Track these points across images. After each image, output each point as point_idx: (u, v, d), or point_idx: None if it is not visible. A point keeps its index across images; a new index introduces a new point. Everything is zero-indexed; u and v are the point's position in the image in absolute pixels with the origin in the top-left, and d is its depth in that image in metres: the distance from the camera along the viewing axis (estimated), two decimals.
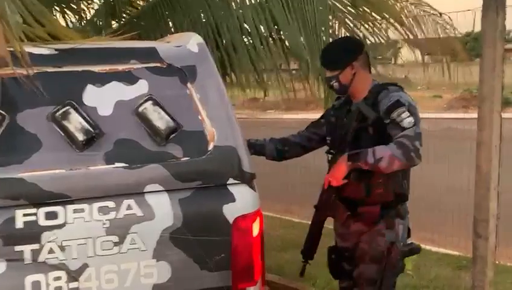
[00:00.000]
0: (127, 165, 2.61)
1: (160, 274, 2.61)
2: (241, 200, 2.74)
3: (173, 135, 2.69)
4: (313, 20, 4.48)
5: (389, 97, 3.32)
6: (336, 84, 3.42)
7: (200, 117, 2.74)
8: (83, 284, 2.53)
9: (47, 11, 3.09)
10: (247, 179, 2.77)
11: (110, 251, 2.55)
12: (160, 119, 2.67)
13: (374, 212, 3.38)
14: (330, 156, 3.53)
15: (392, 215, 3.40)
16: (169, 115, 2.69)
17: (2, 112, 2.51)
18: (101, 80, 2.68)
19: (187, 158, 2.69)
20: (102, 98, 2.67)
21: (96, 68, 2.69)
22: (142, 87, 2.72)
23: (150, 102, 2.68)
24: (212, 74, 2.82)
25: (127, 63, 2.72)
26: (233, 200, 2.72)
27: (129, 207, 2.58)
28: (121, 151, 2.63)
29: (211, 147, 2.71)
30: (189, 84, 2.76)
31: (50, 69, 2.64)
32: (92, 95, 2.66)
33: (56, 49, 2.70)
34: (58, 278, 2.50)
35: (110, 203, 2.57)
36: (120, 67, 2.71)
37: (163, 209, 2.63)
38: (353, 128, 3.38)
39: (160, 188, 2.64)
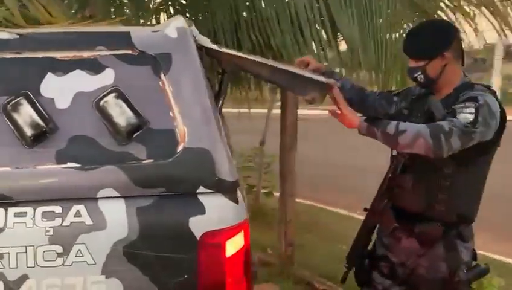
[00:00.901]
0: (80, 165, 2.28)
1: None
2: (213, 213, 2.32)
3: (137, 134, 2.33)
4: (369, 8, 3.94)
5: (469, 93, 2.72)
6: (421, 77, 2.82)
7: (171, 114, 2.35)
8: None
9: None
10: (224, 188, 2.35)
11: (53, 262, 2.24)
12: (121, 115, 2.32)
13: (434, 233, 2.84)
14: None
15: (452, 236, 2.85)
16: (134, 110, 2.33)
17: None
18: (63, 68, 2.38)
19: (151, 161, 2.31)
20: (62, 89, 2.36)
21: (59, 55, 2.39)
22: (107, 77, 2.38)
23: (113, 94, 2.34)
24: (190, 63, 2.42)
25: (93, 50, 2.40)
26: (202, 212, 2.30)
27: (78, 214, 2.26)
28: (75, 150, 2.31)
29: (180, 148, 2.32)
30: (162, 75, 2.38)
31: (7, 55, 2.38)
32: (50, 85, 2.36)
33: (18, 34, 2.44)
34: None
35: (57, 208, 2.26)
36: (85, 54, 2.40)
37: (117, 218, 2.27)
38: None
39: (116, 193, 2.29)
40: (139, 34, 2.46)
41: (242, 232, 2.42)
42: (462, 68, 2.87)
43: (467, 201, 2.86)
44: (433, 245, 2.85)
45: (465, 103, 2.66)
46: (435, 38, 2.76)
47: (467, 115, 2.61)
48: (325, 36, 4.10)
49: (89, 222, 2.26)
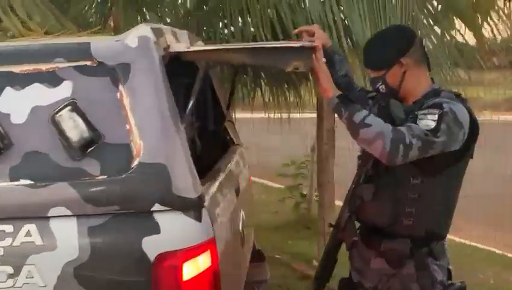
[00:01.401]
0: (33, 183, 2.20)
1: None
2: (169, 232, 2.17)
3: (91, 149, 2.21)
4: (382, 8, 3.67)
5: (433, 100, 2.50)
6: (382, 87, 2.61)
7: (127, 127, 2.22)
8: None
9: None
10: (183, 206, 2.20)
11: (4, 283, 2.16)
12: (74, 129, 2.21)
13: (402, 250, 2.58)
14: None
15: (423, 254, 2.58)
16: (89, 124, 2.22)
17: None
18: (22, 81, 2.30)
19: (104, 177, 2.19)
20: (19, 103, 2.29)
21: (18, 68, 2.31)
22: (65, 90, 2.28)
23: (68, 108, 2.23)
24: (151, 74, 2.28)
25: (52, 62, 2.31)
26: (156, 231, 2.16)
27: (28, 233, 2.17)
28: (29, 166, 2.22)
29: (134, 164, 2.19)
30: (120, 87, 2.26)
31: None
32: (8, 100, 2.29)
33: None
34: None
35: (8, 227, 2.17)
36: (44, 66, 2.31)
37: (68, 238, 2.16)
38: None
39: (68, 212, 2.18)
40: (99, 44, 2.35)
41: (208, 252, 2.25)
42: (427, 73, 2.64)
43: (437, 215, 2.60)
44: (403, 264, 2.58)
45: (429, 109, 2.44)
46: (389, 46, 2.59)
47: (428, 121, 2.40)
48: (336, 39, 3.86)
49: (39, 242, 2.16)
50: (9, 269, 2.15)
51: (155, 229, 2.16)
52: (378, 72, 2.61)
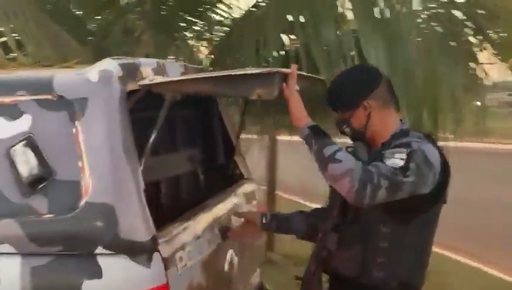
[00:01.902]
0: None
1: None
2: (111, 277, 2.06)
3: (41, 185, 2.15)
4: (398, 45, 3.46)
5: (401, 140, 2.33)
6: (347, 130, 2.47)
7: (79, 164, 2.14)
8: None
9: None
10: (129, 249, 2.08)
11: None
12: (25, 165, 2.16)
13: None
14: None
15: None
16: (41, 159, 2.16)
17: None
18: None
19: (50, 216, 2.12)
20: None
21: None
22: (24, 123, 2.24)
23: (23, 142, 2.19)
24: (107, 109, 2.19)
25: (14, 95, 2.27)
26: (99, 276, 2.05)
27: None
28: None
29: (82, 203, 2.10)
30: (76, 122, 2.19)
31: None
32: None
33: None
34: None
35: None
36: (7, 99, 2.28)
37: (11, 277, 2.11)
38: None
39: (13, 250, 2.12)
40: (62, 77, 2.29)
41: None
42: (396, 114, 2.46)
43: (410, 265, 2.37)
44: None
45: (396, 148, 2.27)
46: (352, 88, 2.44)
47: (396, 160, 2.21)
48: None
49: None
50: None
51: (97, 273, 2.06)
52: (343, 114, 2.46)
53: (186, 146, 3.53)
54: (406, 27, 3.57)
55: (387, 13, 3.62)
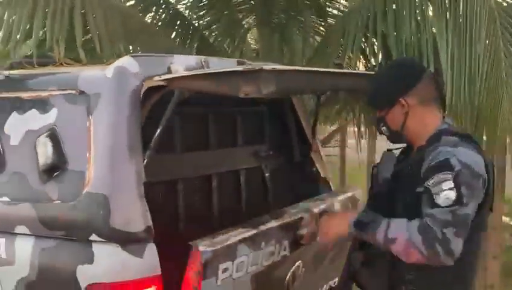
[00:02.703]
0: (8, 200, 2.40)
1: None
2: (102, 263, 2.18)
3: (56, 173, 2.33)
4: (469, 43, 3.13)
5: (436, 154, 2.12)
6: (384, 129, 2.34)
7: (87, 155, 2.29)
8: None
9: None
10: (120, 239, 2.18)
11: None
12: (43, 154, 2.36)
13: None
14: None
15: None
16: (58, 150, 2.34)
17: None
18: (24, 107, 2.52)
19: (59, 202, 2.29)
20: (18, 127, 2.51)
21: (26, 95, 2.54)
22: (51, 116, 2.44)
23: (46, 134, 2.39)
24: (117, 105, 2.30)
25: (47, 90, 2.48)
26: (90, 261, 2.18)
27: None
28: (10, 185, 2.44)
29: (84, 192, 2.24)
30: (90, 115, 2.34)
31: None
32: (12, 123, 2.54)
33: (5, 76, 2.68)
34: None
35: None
36: (43, 94, 2.50)
37: (24, 256, 2.31)
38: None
39: (28, 231, 2.33)
40: (87, 74, 2.45)
41: (151, 289, 2.19)
42: (439, 113, 2.25)
43: (446, 282, 2.17)
44: None
45: (438, 174, 2.06)
46: (390, 84, 2.29)
47: (446, 193, 2.03)
48: None
49: (4, 255, 2.35)
50: None
51: (89, 259, 2.18)
52: (380, 112, 2.32)
53: (255, 143, 3.52)
54: (477, 25, 3.23)
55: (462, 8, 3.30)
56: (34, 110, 2.49)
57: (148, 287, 2.19)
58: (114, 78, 2.34)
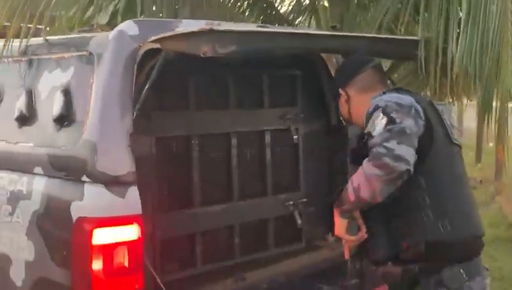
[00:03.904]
0: (32, 145, 2.82)
1: (29, 253, 2.72)
2: (89, 201, 2.52)
3: (66, 123, 2.70)
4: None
5: (367, 110, 2.39)
6: (341, 117, 2.80)
7: (87, 108, 2.63)
8: None
9: None
10: (105, 180, 2.50)
11: (6, 218, 2.84)
12: (57, 106, 2.73)
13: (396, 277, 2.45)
14: None
15: (429, 284, 2.35)
16: (68, 103, 2.71)
17: None
18: (52, 66, 2.92)
19: (64, 147, 2.66)
20: (47, 84, 2.92)
21: (54, 56, 2.94)
22: (69, 74, 2.81)
23: (61, 88, 2.77)
24: (113, 64, 2.60)
25: (69, 52, 2.86)
26: (81, 198, 2.53)
27: (22, 184, 2.80)
28: (36, 133, 2.85)
29: (81, 139, 2.59)
30: (94, 73, 2.67)
31: (26, 58, 3.07)
32: (43, 81, 2.95)
33: (42, 41, 3.09)
34: None
35: (15, 177, 2.85)
36: (66, 55, 2.88)
37: (37, 192, 2.71)
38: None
39: (42, 172, 2.73)
40: (97, 36, 2.79)
41: (132, 226, 2.50)
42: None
43: (433, 220, 2.32)
44: None
45: (371, 118, 2.31)
46: (335, 77, 2.79)
47: (378, 123, 2.25)
48: None
49: (25, 191, 2.77)
50: (10, 209, 2.82)
51: (80, 196, 2.52)
52: (334, 101, 2.74)
53: (284, 105, 3.63)
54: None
55: None
56: (58, 69, 2.88)
57: (129, 223, 2.50)
58: (113, 39, 2.66)
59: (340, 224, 2.42)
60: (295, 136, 3.61)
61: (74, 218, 2.51)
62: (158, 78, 2.60)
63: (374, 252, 2.47)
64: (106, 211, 2.49)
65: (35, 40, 3.12)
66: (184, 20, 2.89)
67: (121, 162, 2.51)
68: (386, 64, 4.65)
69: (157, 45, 2.63)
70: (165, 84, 2.77)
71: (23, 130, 2.92)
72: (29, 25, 3.26)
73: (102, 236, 2.47)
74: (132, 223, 2.50)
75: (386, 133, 2.17)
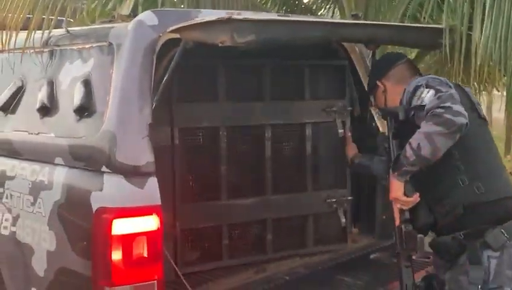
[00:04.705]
0: (52, 135, 2.84)
1: (50, 242, 2.74)
2: (108, 191, 2.52)
3: (86, 113, 2.71)
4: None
5: (407, 91, 2.67)
6: (378, 111, 3.14)
7: (107, 98, 2.63)
8: (18, 230, 2.94)
9: None
10: (124, 171, 2.50)
11: (29, 208, 2.86)
12: (77, 96, 2.74)
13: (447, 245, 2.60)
14: None
15: (475, 247, 2.52)
16: (89, 93, 2.72)
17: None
18: (74, 57, 2.94)
19: (83, 138, 2.67)
20: (68, 74, 2.93)
21: (75, 47, 2.95)
22: (89, 64, 2.82)
23: (82, 79, 2.78)
24: (132, 54, 2.60)
25: (89, 42, 2.86)
26: (101, 188, 2.53)
27: (44, 174, 2.82)
28: (57, 123, 2.87)
29: (101, 130, 2.59)
30: (113, 64, 2.67)
31: (47, 49, 3.09)
32: (64, 71, 2.96)
33: (64, 32, 3.11)
34: (7, 220, 3.01)
35: (37, 167, 2.87)
36: (86, 45, 2.89)
37: (58, 183, 2.72)
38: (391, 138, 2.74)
39: (62, 162, 2.74)
40: (117, 27, 2.79)
41: (149, 217, 2.50)
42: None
43: (467, 183, 2.56)
44: (457, 257, 2.61)
45: (415, 95, 2.57)
46: (372, 72, 3.05)
47: (428, 94, 2.50)
48: None
49: (46, 182, 2.79)
50: (32, 199, 2.85)
51: (100, 186, 2.53)
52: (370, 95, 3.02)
53: (329, 97, 3.58)
54: None
55: None
56: (79, 60, 2.88)
57: (148, 214, 2.50)
58: (132, 30, 2.65)
59: (398, 187, 2.57)
60: (340, 130, 3.53)
61: (94, 208, 2.51)
62: (180, 68, 2.60)
63: (414, 221, 2.62)
64: (125, 201, 2.49)
65: (56, 32, 3.13)
66: (203, 10, 2.88)
67: (140, 153, 2.51)
68: (412, 54, 4.59)
69: (177, 35, 2.62)
70: (189, 75, 2.78)
71: (44, 121, 2.93)
72: (51, 17, 3.27)
73: (121, 226, 2.47)
74: (151, 214, 2.50)
75: (438, 99, 2.42)
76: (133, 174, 2.50)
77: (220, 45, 2.31)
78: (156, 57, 2.62)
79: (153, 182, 2.51)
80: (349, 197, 3.57)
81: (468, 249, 2.52)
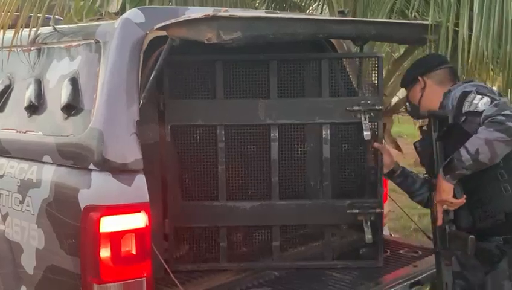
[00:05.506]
0: (41, 133, 2.83)
1: (39, 240, 2.74)
2: (96, 189, 2.52)
3: (73, 111, 2.71)
4: None
5: (452, 96, 2.78)
6: (408, 106, 3.05)
7: (94, 96, 2.63)
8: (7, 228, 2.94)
9: None
10: (111, 168, 2.50)
11: (17, 207, 2.86)
12: (64, 95, 2.74)
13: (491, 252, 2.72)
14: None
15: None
16: (75, 91, 2.72)
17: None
18: (61, 55, 2.94)
19: (71, 136, 2.67)
20: (55, 72, 2.93)
21: (63, 45, 2.95)
22: (76, 62, 2.82)
23: (69, 77, 2.78)
24: (119, 52, 2.60)
25: (76, 40, 2.87)
26: (88, 186, 2.54)
27: (32, 172, 2.82)
28: (45, 121, 2.86)
29: (88, 128, 2.59)
30: (100, 61, 2.68)
31: (35, 47, 3.09)
32: (52, 69, 2.96)
33: (51, 30, 3.10)
34: None
35: (26, 165, 2.87)
36: (74, 43, 2.89)
37: (46, 181, 2.72)
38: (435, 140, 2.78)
39: (50, 160, 2.74)
40: (104, 25, 2.79)
41: (139, 214, 2.51)
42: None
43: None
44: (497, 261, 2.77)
45: (465, 101, 2.67)
46: (414, 67, 3.03)
47: (482, 101, 2.60)
48: None
49: (34, 180, 2.78)
50: (20, 197, 2.85)
51: (88, 184, 2.53)
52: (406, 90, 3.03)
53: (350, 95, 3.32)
54: None
55: None
56: (66, 58, 2.89)
57: (136, 211, 2.51)
58: (118, 27, 2.65)
59: (448, 189, 2.66)
60: (366, 133, 3.01)
61: (82, 206, 2.52)
62: (170, 65, 2.60)
63: (458, 219, 2.73)
64: (113, 199, 2.50)
65: (44, 30, 3.13)
66: (191, 8, 2.88)
67: (128, 150, 2.52)
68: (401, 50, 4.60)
69: (164, 33, 2.62)
70: (183, 72, 2.76)
71: (32, 119, 2.93)
72: (38, 15, 3.27)
73: (109, 224, 2.48)
74: (139, 211, 2.51)
75: (495, 107, 2.52)
76: (120, 171, 2.50)
77: (206, 42, 2.31)
78: (143, 55, 2.62)
79: (141, 180, 2.51)
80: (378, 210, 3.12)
81: (507, 254, 2.66)
